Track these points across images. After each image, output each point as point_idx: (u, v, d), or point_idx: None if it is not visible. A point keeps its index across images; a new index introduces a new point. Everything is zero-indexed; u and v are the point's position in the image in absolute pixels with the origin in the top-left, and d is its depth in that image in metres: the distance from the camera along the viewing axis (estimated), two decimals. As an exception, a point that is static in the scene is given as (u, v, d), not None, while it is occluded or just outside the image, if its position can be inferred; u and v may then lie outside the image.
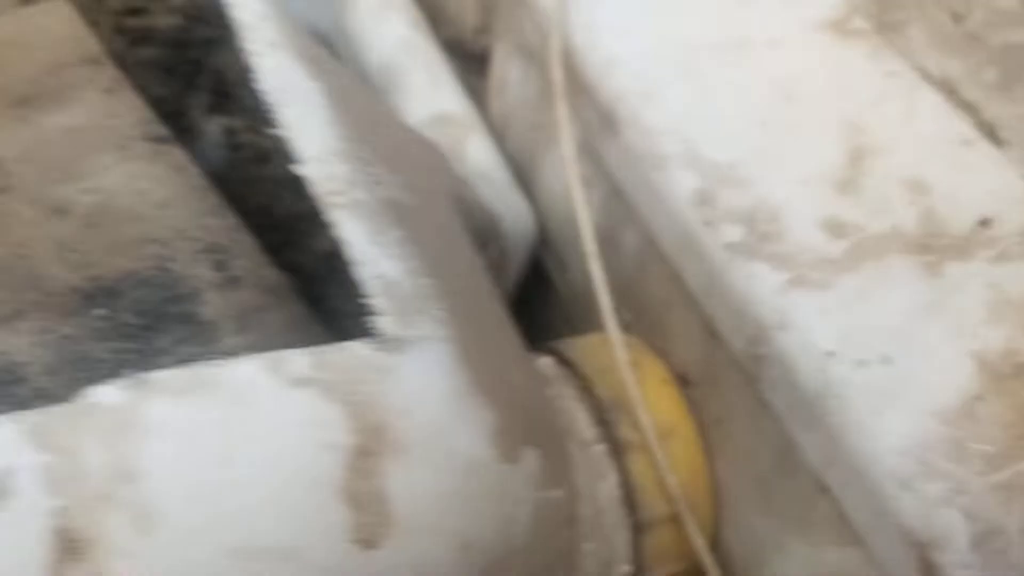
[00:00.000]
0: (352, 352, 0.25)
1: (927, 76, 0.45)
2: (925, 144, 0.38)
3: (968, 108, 0.44)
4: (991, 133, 0.43)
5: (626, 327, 0.48)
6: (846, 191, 0.37)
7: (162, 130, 0.40)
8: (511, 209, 0.50)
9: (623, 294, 0.47)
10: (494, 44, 0.55)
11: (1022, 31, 0.48)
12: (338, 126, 0.29)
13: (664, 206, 0.40)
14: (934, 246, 0.35)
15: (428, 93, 0.54)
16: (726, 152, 0.39)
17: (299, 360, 0.25)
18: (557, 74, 0.44)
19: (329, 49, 0.63)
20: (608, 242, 0.48)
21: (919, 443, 0.32)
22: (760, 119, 0.40)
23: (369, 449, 0.25)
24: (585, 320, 0.50)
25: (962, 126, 0.38)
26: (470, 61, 0.62)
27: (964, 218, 0.36)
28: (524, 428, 0.29)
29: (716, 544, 0.44)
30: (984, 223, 0.35)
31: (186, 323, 0.33)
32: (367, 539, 0.25)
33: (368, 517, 0.25)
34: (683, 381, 0.43)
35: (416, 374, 0.26)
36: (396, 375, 0.25)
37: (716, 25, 0.43)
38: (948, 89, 0.45)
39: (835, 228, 0.36)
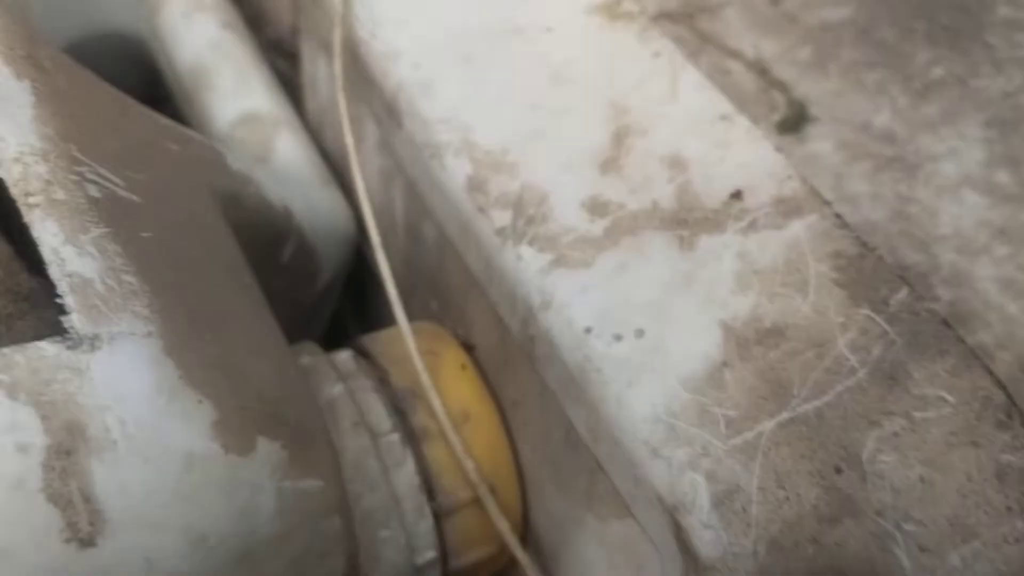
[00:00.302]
0: (38, 351, 0.25)
1: (739, 57, 0.47)
2: (685, 122, 0.39)
3: (780, 87, 0.46)
4: (802, 110, 0.45)
5: (434, 317, 0.48)
6: (609, 171, 0.38)
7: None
8: (324, 205, 0.50)
9: (429, 283, 0.48)
10: (302, 42, 0.55)
11: (837, 10, 0.50)
12: (43, 125, 0.29)
13: (444, 195, 0.41)
14: (689, 220, 0.37)
15: (237, 93, 0.54)
16: (497, 138, 0.40)
17: (-20, 361, 0.25)
18: (337, 67, 0.44)
19: (142, 53, 0.62)
20: (412, 233, 0.48)
21: (668, 411, 0.33)
22: (530, 104, 0.40)
23: (66, 448, 0.24)
24: (407, 310, 0.50)
25: (720, 102, 0.40)
26: (292, 60, 0.62)
27: (718, 192, 0.37)
28: (259, 420, 0.29)
29: (527, 525, 0.44)
30: (736, 195, 0.37)
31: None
32: (82, 538, 0.25)
33: (77, 516, 0.25)
34: (480, 366, 0.44)
35: (112, 371, 0.25)
36: (89, 373, 0.25)
37: (491, 13, 0.44)
38: (761, 69, 0.46)
39: (597, 207, 0.37)
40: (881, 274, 0.34)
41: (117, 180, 0.30)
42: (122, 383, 0.26)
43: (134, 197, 0.30)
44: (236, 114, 0.53)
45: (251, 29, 0.62)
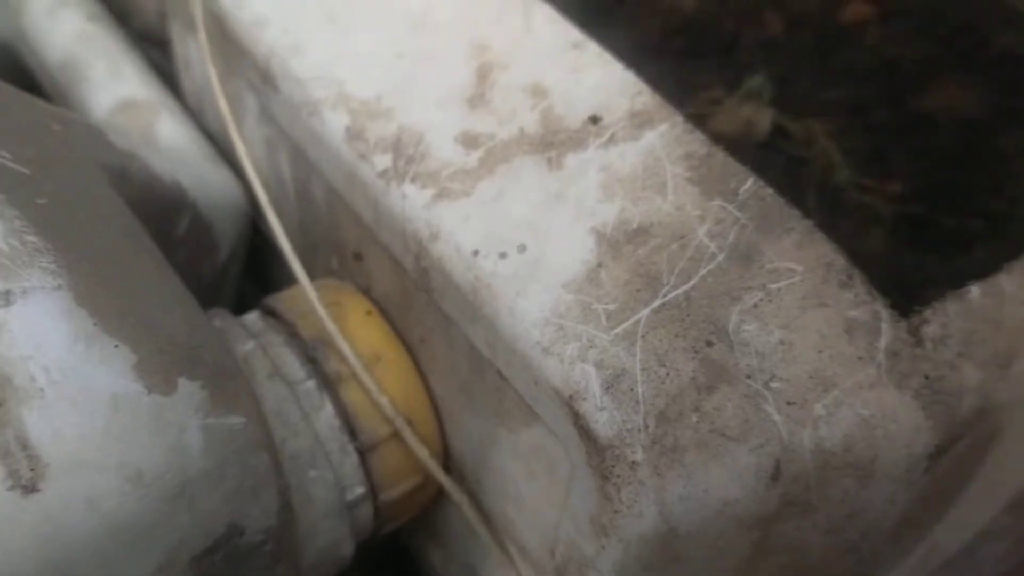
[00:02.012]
0: (-48, 310, 0.26)
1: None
2: (541, 52, 0.42)
3: None
4: None
5: (335, 272, 0.50)
6: (476, 106, 0.41)
7: None
8: (213, 181, 0.51)
9: (326, 242, 0.50)
10: (171, 26, 0.55)
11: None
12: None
13: (325, 149, 0.42)
14: (554, 142, 0.39)
15: (110, 82, 0.54)
16: (370, 88, 0.42)
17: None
18: (203, 38, 0.45)
19: (10, 57, 0.61)
20: (303, 197, 0.50)
21: (555, 313, 0.36)
22: (397, 52, 0.43)
23: (-5, 399, 0.26)
24: (308, 273, 0.52)
25: (571, 31, 0.43)
26: (164, 48, 0.62)
27: (578, 113, 0.40)
28: (177, 363, 0.31)
29: (449, 454, 0.47)
30: (594, 119, 0.40)
31: None
32: (25, 484, 0.27)
33: (17, 464, 0.26)
34: (385, 311, 0.46)
35: (29, 323, 0.27)
36: (7, 327, 0.27)
37: (350, -27, 0.46)
38: None
39: (469, 141, 0.40)
40: (729, 168, 0.38)
41: (5, 154, 0.31)
42: (40, 333, 0.27)
43: (24, 170, 0.31)
44: (112, 102, 0.53)
45: (119, 22, 0.62)
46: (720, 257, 0.36)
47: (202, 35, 0.46)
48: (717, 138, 0.61)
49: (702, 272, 0.36)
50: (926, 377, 0.35)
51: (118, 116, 0.53)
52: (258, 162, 0.52)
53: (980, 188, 0.57)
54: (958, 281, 0.42)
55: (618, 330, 0.35)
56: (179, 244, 0.46)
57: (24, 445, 0.26)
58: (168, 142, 0.52)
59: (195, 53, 0.54)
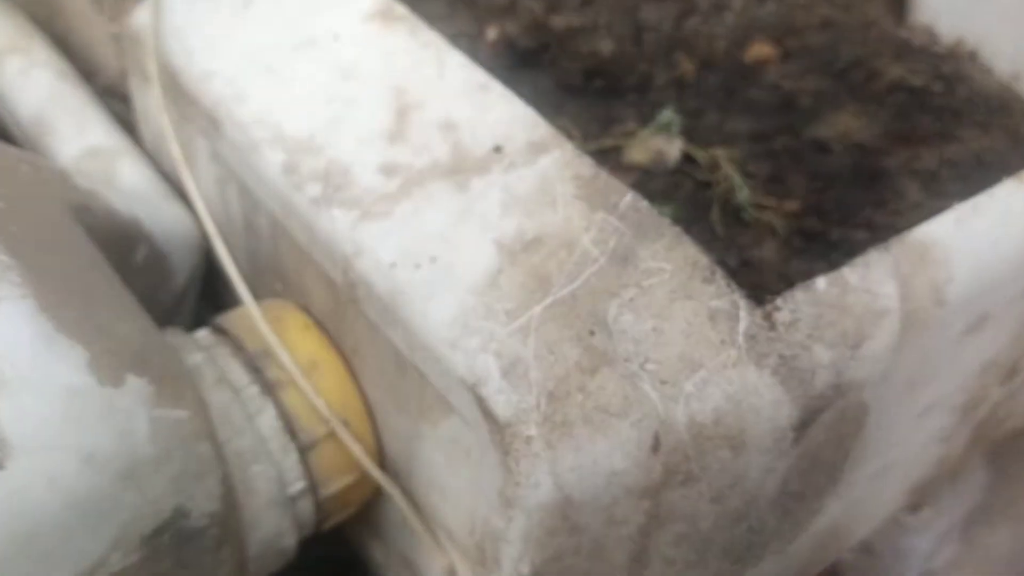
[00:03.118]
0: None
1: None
2: (453, 93, 0.48)
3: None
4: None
5: (279, 295, 0.55)
6: (395, 140, 0.47)
7: None
8: (166, 215, 0.56)
9: (271, 268, 0.55)
10: (130, 81, 0.61)
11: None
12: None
13: (266, 182, 0.48)
14: (463, 168, 0.45)
15: (76, 133, 0.60)
16: (303, 128, 0.48)
17: None
18: (156, 90, 0.51)
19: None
20: (249, 228, 0.55)
21: (460, 313, 0.41)
22: (327, 97, 0.49)
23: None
24: (255, 296, 0.57)
25: (479, 75, 0.49)
26: (126, 101, 0.68)
27: (483, 144, 0.46)
28: (126, 360, 0.36)
29: (383, 453, 0.52)
30: (497, 148, 0.46)
31: None
32: (-7, 462, 0.32)
33: (-12, 444, 0.31)
34: (322, 325, 0.51)
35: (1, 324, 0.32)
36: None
37: (286, 30, 0.52)
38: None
39: (389, 170, 0.46)
40: (611, 186, 0.44)
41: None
42: (7, 335, 0.32)
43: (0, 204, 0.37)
44: (79, 151, 0.59)
45: (85, 78, 0.68)
46: (602, 260, 0.42)
47: (156, 88, 0.52)
48: (631, 167, 0.67)
49: (586, 274, 0.41)
50: (781, 356, 0.40)
51: (83, 161, 0.58)
52: (210, 199, 0.58)
53: (867, 204, 0.64)
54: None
55: (514, 325, 0.40)
56: (137, 272, 0.52)
57: (-7, 425, 0.31)
58: (128, 183, 0.57)
59: (151, 104, 0.60)
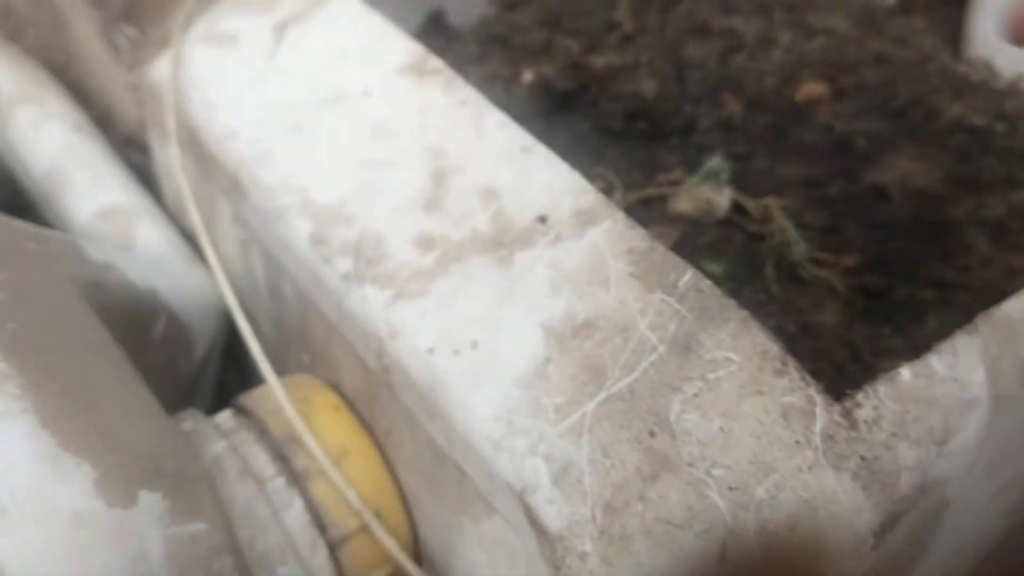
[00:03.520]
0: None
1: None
2: (493, 156, 0.44)
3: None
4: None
5: (307, 368, 0.52)
6: (432, 209, 0.43)
7: None
8: (189, 282, 0.53)
9: (298, 338, 0.52)
10: (151, 134, 0.58)
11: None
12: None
13: (292, 252, 0.45)
14: (505, 241, 0.42)
15: (92, 190, 0.57)
16: (332, 195, 0.44)
17: None
18: (175, 150, 0.48)
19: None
20: (274, 295, 0.52)
21: (505, 408, 0.37)
22: (358, 160, 0.45)
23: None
24: (281, 372, 0.54)
25: (521, 136, 0.45)
26: (147, 152, 0.65)
27: (527, 213, 0.42)
28: (138, 474, 0.32)
29: (419, 543, 0.48)
30: (541, 218, 0.42)
31: None
32: (-14, 606, 0.28)
33: (-18, 584, 0.28)
34: (353, 406, 0.48)
35: (-4, 446, 0.29)
36: (-25, 451, 0.28)
37: (314, 86, 0.48)
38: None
39: (426, 243, 0.42)
40: (669, 262, 0.40)
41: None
42: (5, 457, 0.29)
43: (-1, 294, 0.33)
44: (95, 210, 0.56)
45: (101, 129, 0.65)
46: (661, 349, 0.38)
47: (174, 148, 0.49)
48: (677, 218, 0.63)
49: (644, 364, 0.37)
50: (862, 458, 0.36)
51: (99, 223, 0.55)
52: (233, 263, 0.54)
53: (932, 257, 0.59)
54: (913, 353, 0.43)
55: (565, 424, 0.37)
56: (156, 345, 0.48)
57: (-9, 563, 0.28)
58: (147, 246, 0.54)
59: (171, 162, 0.57)
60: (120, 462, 0.32)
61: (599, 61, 0.68)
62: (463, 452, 0.39)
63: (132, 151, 0.66)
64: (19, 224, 0.41)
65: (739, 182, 0.65)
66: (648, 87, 0.68)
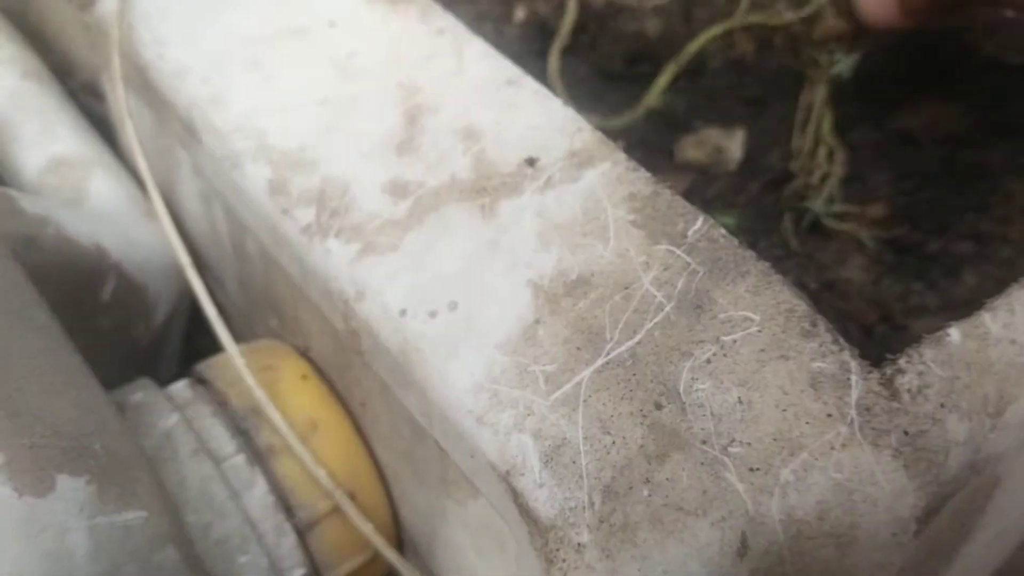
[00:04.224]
0: None
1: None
2: (474, 92, 0.39)
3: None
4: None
5: (274, 332, 0.47)
6: (405, 152, 0.38)
7: None
8: (143, 239, 0.48)
9: (264, 300, 0.47)
10: (104, 78, 0.53)
11: None
12: None
13: (250, 203, 0.39)
14: (488, 188, 0.36)
15: (42, 140, 0.51)
16: (293, 138, 0.39)
17: None
18: (119, 91, 0.43)
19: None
20: (239, 252, 0.47)
21: (488, 377, 0.32)
22: (321, 99, 0.40)
23: None
24: (249, 337, 0.49)
25: (507, 67, 0.40)
26: (105, 100, 0.60)
27: (513, 155, 0.37)
28: (56, 457, 0.27)
29: (399, 529, 0.43)
30: (530, 160, 0.37)
31: None
32: None
33: None
34: (324, 373, 0.43)
35: None
36: None
37: (274, 18, 0.43)
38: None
39: (397, 190, 0.37)
40: (676, 208, 0.35)
41: None
42: None
43: None
44: (44, 161, 0.51)
45: (61, 77, 0.60)
46: (668, 307, 0.32)
47: (119, 87, 0.44)
48: (685, 167, 0.58)
49: (648, 325, 0.32)
50: (905, 433, 0.31)
51: (48, 176, 0.50)
52: (195, 218, 0.49)
53: (967, 208, 0.54)
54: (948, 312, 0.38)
55: (558, 394, 0.32)
56: (105, 309, 0.43)
57: None
58: (99, 200, 0.49)
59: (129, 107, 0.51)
60: (33, 443, 0.27)
61: (599, -2, 0.63)
62: (441, 427, 0.34)
63: (92, 99, 0.61)
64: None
65: (751, 127, 0.60)
66: (652, 26, 0.63)
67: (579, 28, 0.61)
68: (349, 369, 0.41)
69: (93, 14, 0.52)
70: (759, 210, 0.55)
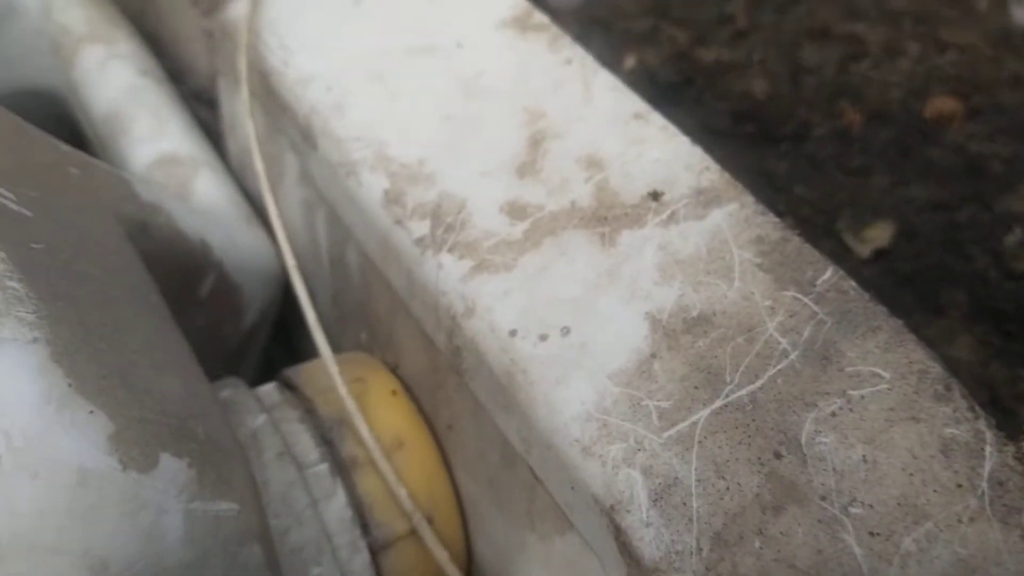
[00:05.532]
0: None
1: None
2: (600, 122, 0.39)
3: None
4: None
5: (364, 346, 0.46)
6: (526, 174, 0.37)
7: None
8: (246, 242, 0.48)
9: (357, 314, 0.46)
10: (219, 84, 0.54)
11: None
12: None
13: (361, 212, 0.39)
14: (608, 217, 0.36)
15: (153, 137, 0.52)
16: (413, 151, 0.39)
17: None
18: (244, 91, 0.43)
19: (58, 108, 0.60)
20: (337, 264, 0.47)
21: (599, 407, 0.31)
22: (445, 115, 0.40)
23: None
24: (335, 350, 0.48)
25: (634, 101, 0.39)
26: (214, 108, 0.61)
27: (637, 187, 0.36)
28: (163, 436, 0.27)
29: (470, 554, 0.42)
30: (654, 194, 0.36)
31: None
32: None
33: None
34: (411, 391, 0.42)
35: None
36: (-29, 380, 0.23)
37: (403, 34, 0.43)
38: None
39: (516, 211, 0.36)
40: (805, 256, 0.34)
41: (7, 194, 0.28)
42: (6, 391, 0.23)
43: (25, 211, 0.28)
44: (152, 156, 0.51)
45: (172, 80, 0.61)
46: (793, 355, 0.31)
47: (244, 90, 0.44)
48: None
49: (771, 371, 0.31)
50: (1038, 514, 0.29)
51: (156, 171, 0.50)
52: (294, 226, 0.49)
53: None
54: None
55: (671, 432, 0.30)
56: (201, 305, 0.43)
57: (-29, 521, 0.23)
58: (203, 200, 0.49)
59: (240, 112, 0.52)
60: (143, 416, 0.26)
61: (708, 54, 0.63)
62: (541, 455, 0.33)
63: (200, 106, 0.62)
64: (65, 147, 0.36)
65: (854, 197, 0.59)
66: (759, 87, 0.62)
67: (686, 82, 0.61)
68: (440, 389, 0.40)
69: (217, 20, 0.53)
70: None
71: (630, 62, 0.61)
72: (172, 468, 0.27)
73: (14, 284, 0.25)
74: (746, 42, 0.64)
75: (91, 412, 0.25)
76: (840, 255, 0.53)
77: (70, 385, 0.25)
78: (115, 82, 0.55)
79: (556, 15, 0.69)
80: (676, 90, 0.60)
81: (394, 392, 0.41)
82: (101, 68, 0.56)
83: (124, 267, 0.33)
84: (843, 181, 0.58)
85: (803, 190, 0.57)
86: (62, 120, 0.60)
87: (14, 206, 0.29)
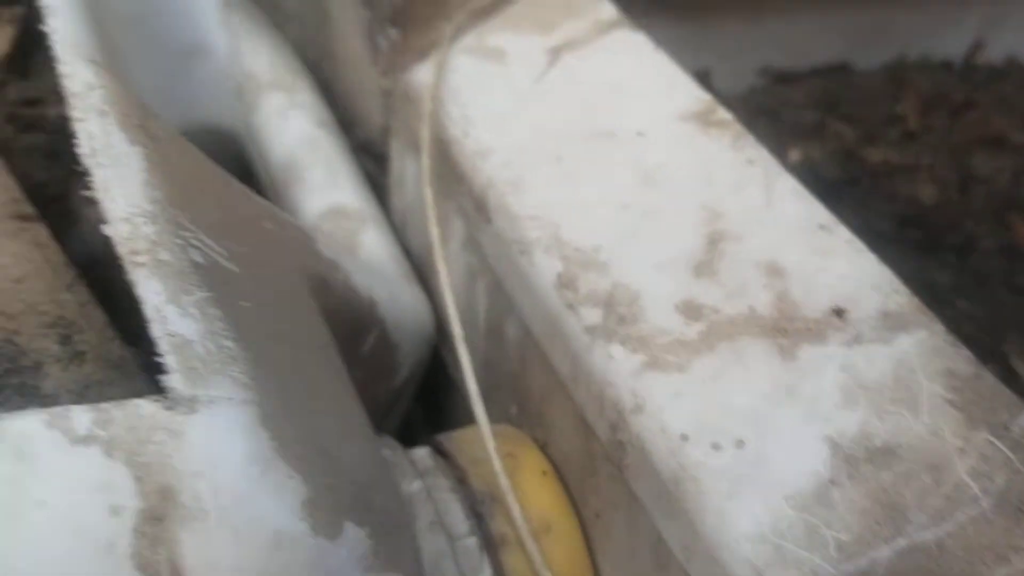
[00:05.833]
0: (137, 409, 0.24)
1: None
2: (782, 229, 0.38)
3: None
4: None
5: (512, 420, 0.47)
6: (703, 274, 0.37)
7: (28, 209, 0.39)
8: (406, 301, 0.49)
9: (509, 386, 0.47)
10: (392, 141, 0.56)
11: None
12: (152, 190, 0.29)
13: (531, 291, 0.40)
14: (789, 329, 0.35)
15: (326, 187, 0.54)
16: (588, 237, 0.39)
17: (82, 416, 0.24)
18: (425, 161, 0.44)
19: (236, 148, 0.64)
20: (494, 334, 0.47)
21: (773, 529, 0.30)
22: (622, 204, 0.40)
23: (158, 514, 0.23)
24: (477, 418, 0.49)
25: (819, 211, 0.39)
26: (381, 162, 0.63)
27: (819, 302, 0.36)
28: (347, 504, 0.27)
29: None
30: (838, 311, 0.35)
31: (25, 395, 0.32)
32: (171, 615, 0.24)
33: (165, 588, 0.23)
34: (560, 473, 0.42)
35: (208, 435, 0.25)
36: (185, 435, 0.24)
37: (583, 117, 0.44)
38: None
39: (691, 310, 0.36)
40: (1000, 396, 0.32)
41: (219, 249, 0.29)
42: (217, 449, 0.25)
43: (234, 267, 0.30)
44: (324, 207, 0.53)
45: (343, 131, 0.64)
46: (984, 502, 0.30)
47: (425, 159, 0.46)
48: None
49: (960, 517, 0.30)
50: None
51: (326, 221, 0.52)
52: (455, 290, 0.50)
53: None
54: None
55: (849, 567, 0.29)
56: (361, 363, 0.45)
57: (176, 570, 0.24)
58: (369, 254, 0.51)
59: (411, 172, 0.54)
60: (333, 484, 0.27)
61: (876, 155, 0.61)
62: (705, 568, 0.32)
63: (367, 158, 0.64)
64: (261, 200, 0.38)
65: (1019, 322, 0.56)
66: (927, 193, 0.61)
67: (851, 181, 0.60)
68: (592, 476, 0.40)
69: (397, 80, 0.55)
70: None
71: (795, 155, 0.60)
72: (355, 537, 0.27)
73: (229, 344, 0.27)
74: (915, 145, 0.62)
75: (290, 476, 0.26)
76: (1007, 380, 0.51)
77: (275, 449, 0.26)
78: (294, 131, 0.58)
79: (722, 100, 0.69)
80: (840, 188, 0.59)
81: (544, 472, 0.41)
82: (281, 116, 0.59)
83: (311, 326, 0.34)
84: (1010, 300, 0.56)
85: (967, 305, 0.55)
86: (238, 160, 0.63)
87: (225, 262, 0.31)
